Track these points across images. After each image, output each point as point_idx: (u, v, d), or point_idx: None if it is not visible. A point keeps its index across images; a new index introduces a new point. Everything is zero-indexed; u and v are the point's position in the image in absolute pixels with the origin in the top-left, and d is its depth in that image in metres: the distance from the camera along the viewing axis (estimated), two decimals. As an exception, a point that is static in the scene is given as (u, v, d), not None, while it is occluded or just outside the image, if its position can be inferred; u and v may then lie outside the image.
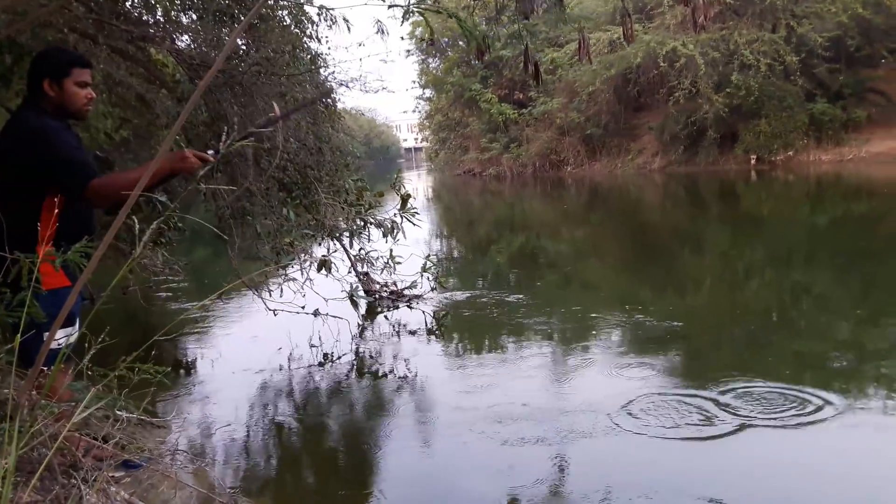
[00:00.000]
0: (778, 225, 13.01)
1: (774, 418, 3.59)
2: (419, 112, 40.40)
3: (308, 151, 5.07)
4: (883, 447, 3.36)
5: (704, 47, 24.15)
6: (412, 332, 5.61)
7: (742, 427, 3.51)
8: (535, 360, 5.00)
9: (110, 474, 2.54)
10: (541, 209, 20.21)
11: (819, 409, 3.67)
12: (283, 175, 5.20)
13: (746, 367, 4.47)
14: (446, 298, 6.93)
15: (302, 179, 5.37)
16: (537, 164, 31.12)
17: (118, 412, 2.20)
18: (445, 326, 5.71)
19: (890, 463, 3.20)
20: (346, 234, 5.41)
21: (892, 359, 4.53)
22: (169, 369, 2.24)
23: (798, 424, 3.53)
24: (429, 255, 6.26)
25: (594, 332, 5.74)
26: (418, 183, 38.99)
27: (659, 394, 4.03)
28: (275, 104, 3.56)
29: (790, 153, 24.56)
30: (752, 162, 25.04)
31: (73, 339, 2.53)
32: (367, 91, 6.25)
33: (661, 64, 24.86)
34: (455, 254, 12.45)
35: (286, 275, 5.28)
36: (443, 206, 24.91)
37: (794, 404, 3.74)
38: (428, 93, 38.31)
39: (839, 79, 24.58)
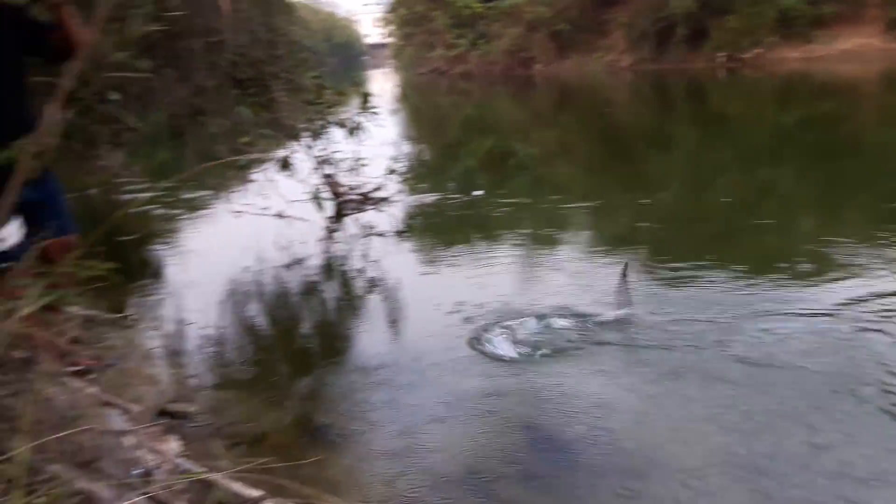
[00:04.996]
0: (745, 125, 13.01)
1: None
2: (382, 4, 38.69)
3: (260, 46, 4.83)
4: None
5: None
6: (381, 234, 5.60)
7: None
8: (506, 258, 5.05)
9: (74, 368, 2.55)
10: (510, 110, 19.89)
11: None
12: (235, 71, 4.98)
13: (701, 255, 4.61)
14: (416, 201, 6.89)
15: (257, 76, 5.15)
16: (506, 62, 30.35)
17: (73, 309, 2.17)
18: (415, 228, 5.70)
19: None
20: (307, 133, 5.24)
21: (852, 246, 4.65)
22: (118, 266, 2.16)
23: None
24: (395, 157, 6.13)
25: (564, 232, 5.79)
26: (384, 83, 37.87)
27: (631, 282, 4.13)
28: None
29: (759, 50, 24.28)
30: (722, 60, 24.75)
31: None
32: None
33: (633, -45, 24.00)
34: (425, 156, 12.28)
35: (247, 176, 5.15)
36: (410, 108, 24.37)
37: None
38: (390, -18, 36.61)
39: (810, -28, 24.03)
